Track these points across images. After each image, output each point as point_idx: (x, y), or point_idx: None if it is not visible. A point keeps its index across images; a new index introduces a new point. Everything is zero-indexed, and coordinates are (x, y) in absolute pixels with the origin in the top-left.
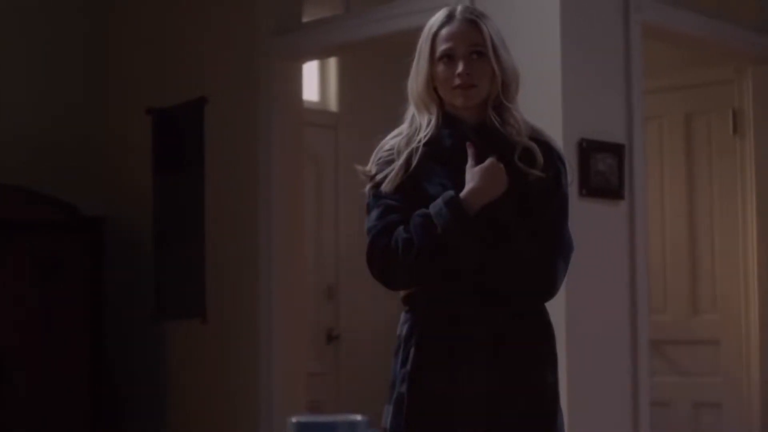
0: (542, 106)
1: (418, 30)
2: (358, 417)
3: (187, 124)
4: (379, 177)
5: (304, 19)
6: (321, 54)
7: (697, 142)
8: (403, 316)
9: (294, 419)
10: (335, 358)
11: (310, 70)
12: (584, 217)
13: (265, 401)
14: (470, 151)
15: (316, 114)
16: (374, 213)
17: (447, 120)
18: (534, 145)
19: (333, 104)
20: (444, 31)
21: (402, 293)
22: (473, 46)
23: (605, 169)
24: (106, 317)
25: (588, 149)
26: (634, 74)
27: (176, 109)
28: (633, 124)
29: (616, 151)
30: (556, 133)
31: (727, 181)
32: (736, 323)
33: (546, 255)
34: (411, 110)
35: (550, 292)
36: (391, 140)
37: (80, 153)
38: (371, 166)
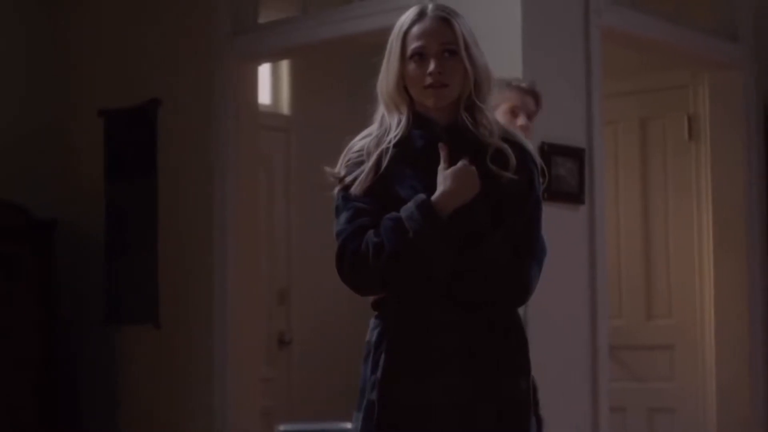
0: None
1: (374, 32)
2: (348, 425)
3: (140, 126)
4: (348, 179)
5: (261, 21)
6: (277, 56)
7: (652, 147)
8: (372, 322)
9: (282, 427)
10: (287, 364)
11: (263, 73)
12: (545, 222)
13: (219, 407)
14: (442, 153)
15: (269, 117)
16: (343, 216)
17: (418, 120)
18: (507, 147)
19: (285, 107)
20: (415, 29)
21: (372, 298)
22: (445, 44)
23: (566, 174)
24: (57, 322)
25: (549, 153)
26: (594, 78)
27: (129, 111)
28: (593, 128)
29: (577, 155)
30: None
31: (683, 186)
32: (690, 328)
33: (519, 259)
34: (381, 110)
35: (524, 297)
36: (360, 141)
37: (30, 155)
38: (340, 168)
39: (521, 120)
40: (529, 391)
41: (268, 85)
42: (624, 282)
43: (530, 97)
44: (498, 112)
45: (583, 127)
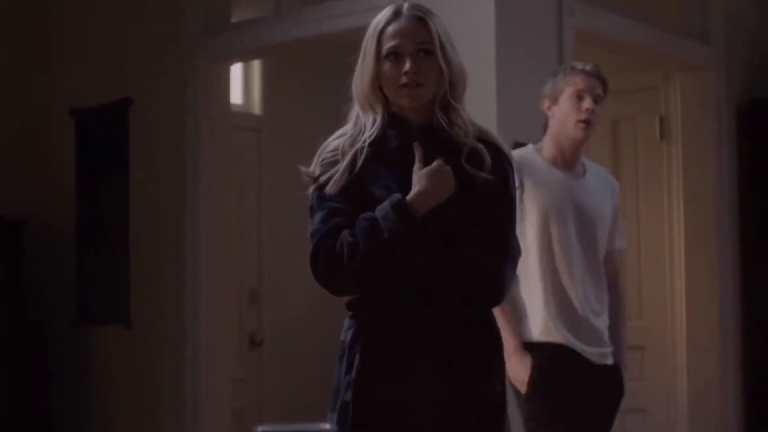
0: (477, 109)
1: (347, 32)
2: (326, 426)
3: (112, 126)
4: (323, 179)
5: (233, 20)
6: (250, 55)
7: (623, 148)
8: (347, 322)
9: (260, 428)
10: (258, 364)
11: (234, 72)
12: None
13: (191, 407)
14: (417, 153)
15: (240, 117)
16: (318, 216)
17: (393, 120)
18: (482, 147)
19: (257, 107)
20: (391, 28)
21: (346, 298)
22: (421, 44)
23: None
24: (27, 322)
25: None
26: None
27: (100, 110)
28: None
29: None
30: None
31: (654, 186)
32: (661, 329)
33: (494, 260)
34: (355, 110)
35: (499, 297)
36: (335, 141)
37: (1, 154)
38: (314, 168)
39: (587, 103)
40: (505, 392)
41: (240, 84)
42: None
43: (596, 80)
44: (563, 96)
45: None
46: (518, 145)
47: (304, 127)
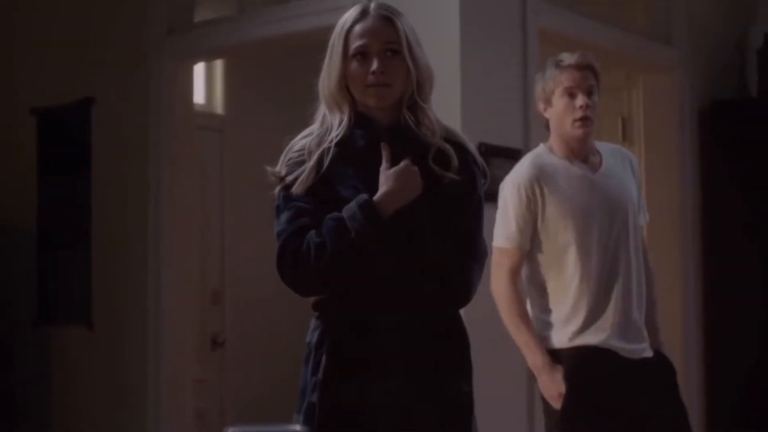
0: (442, 110)
1: (310, 32)
2: (297, 427)
3: (74, 125)
4: (289, 179)
5: (196, 20)
6: (213, 55)
7: None
8: (313, 323)
9: (230, 429)
10: (220, 365)
11: (197, 72)
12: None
13: (153, 408)
14: (384, 153)
15: (202, 116)
16: (284, 216)
17: (359, 120)
18: (449, 147)
19: (219, 107)
20: (358, 28)
21: (312, 299)
22: (388, 43)
23: (503, 175)
24: None
25: (486, 154)
26: (531, 79)
27: (62, 109)
28: (529, 129)
29: (514, 156)
30: None
31: None
32: None
33: (461, 261)
34: (322, 109)
35: (466, 298)
36: (301, 140)
37: None
38: (281, 167)
39: (580, 100)
40: (471, 393)
41: (202, 84)
42: None
43: (585, 72)
44: (555, 97)
45: (520, 128)
46: (483, 145)
47: (266, 127)
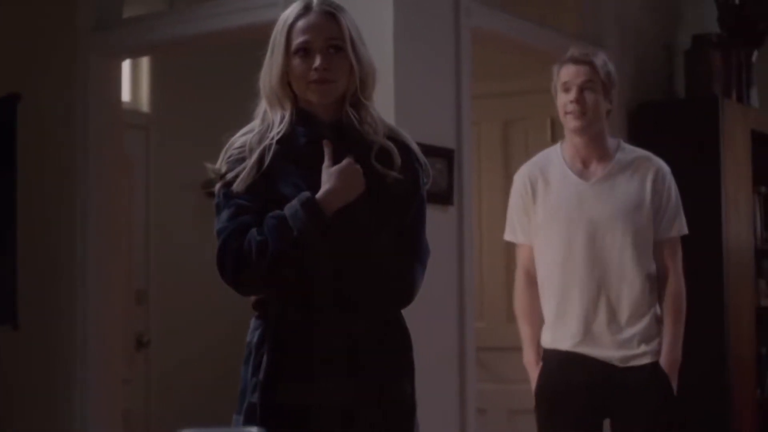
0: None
1: (240, 29)
2: (253, 429)
3: None
4: (229, 176)
5: (125, 15)
6: (142, 51)
7: (514, 148)
8: (253, 323)
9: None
10: (145, 366)
11: (122, 69)
12: None
13: (79, 410)
14: (326, 151)
15: (128, 114)
16: (225, 214)
17: (301, 117)
18: (392, 146)
19: (145, 104)
20: (300, 23)
21: (253, 298)
22: (331, 39)
23: (436, 174)
24: None
25: None
26: (463, 79)
27: None
28: (462, 129)
29: (447, 155)
30: None
31: None
32: None
33: (404, 260)
34: (263, 106)
35: (408, 298)
36: (242, 137)
37: None
38: (221, 164)
39: (571, 95)
40: (414, 394)
41: (128, 81)
42: (486, 284)
43: (581, 67)
44: (557, 92)
45: (452, 127)
46: (418, 146)
47: (192, 125)
